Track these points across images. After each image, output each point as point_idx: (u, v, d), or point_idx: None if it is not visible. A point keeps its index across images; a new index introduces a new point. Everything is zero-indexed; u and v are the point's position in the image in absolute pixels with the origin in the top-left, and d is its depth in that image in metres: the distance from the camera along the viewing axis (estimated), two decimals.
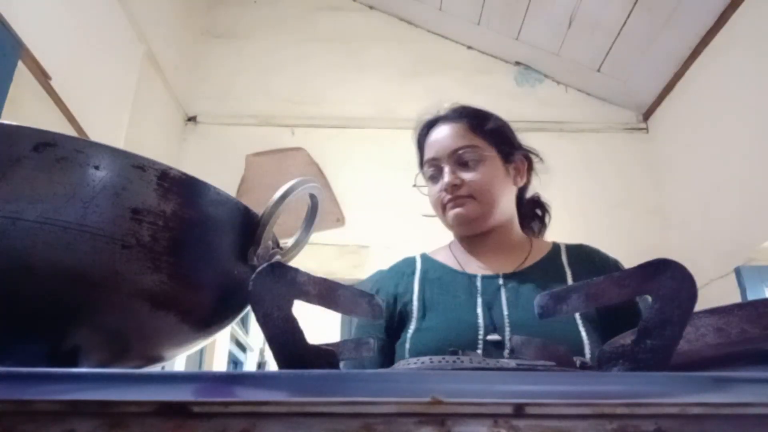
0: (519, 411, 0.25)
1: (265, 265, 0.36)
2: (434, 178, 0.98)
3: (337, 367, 0.36)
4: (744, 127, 2.32)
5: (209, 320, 0.44)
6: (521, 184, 1.03)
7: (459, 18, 3.14)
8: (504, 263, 0.96)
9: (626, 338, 0.35)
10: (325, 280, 0.40)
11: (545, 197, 1.11)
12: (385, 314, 0.93)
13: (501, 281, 0.93)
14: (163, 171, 0.37)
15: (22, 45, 1.80)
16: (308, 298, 0.38)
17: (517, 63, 3.24)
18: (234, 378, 0.28)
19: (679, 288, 0.33)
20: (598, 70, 3.02)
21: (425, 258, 1.02)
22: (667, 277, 0.34)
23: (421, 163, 1.03)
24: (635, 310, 0.91)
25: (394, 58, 3.21)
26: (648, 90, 2.98)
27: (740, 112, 2.35)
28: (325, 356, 0.36)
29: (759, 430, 0.26)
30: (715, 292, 2.31)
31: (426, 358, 0.36)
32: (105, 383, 0.27)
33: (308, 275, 0.38)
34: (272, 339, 0.34)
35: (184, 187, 0.38)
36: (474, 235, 0.98)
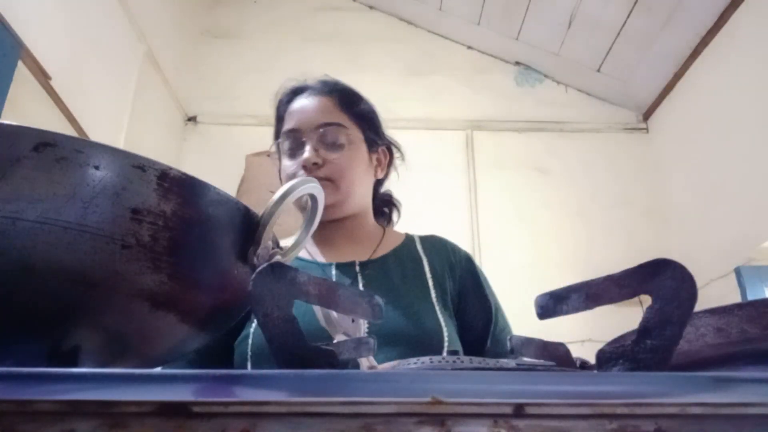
0: (519, 411, 0.25)
1: (265, 265, 0.36)
2: (292, 151, 0.90)
3: (337, 367, 0.36)
4: (744, 127, 2.32)
5: (209, 320, 0.44)
6: (381, 176, 0.99)
7: (459, 18, 3.14)
8: (358, 251, 0.91)
9: (626, 338, 0.35)
10: (325, 280, 0.40)
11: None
12: None
13: (357, 269, 0.88)
14: (163, 171, 0.37)
15: (22, 45, 1.80)
16: (308, 298, 0.38)
17: (517, 63, 3.24)
18: (234, 378, 0.28)
19: (679, 288, 0.33)
20: (598, 70, 3.02)
21: None
22: (667, 277, 0.34)
23: (278, 134, 0.95)
24: (485, 303, 0.92)
25: (394, 58, 3.21)
26: (648, 90, 2.98)
27: (740, 112, 2.35)
28: (325, 356, 0.36)
29: (759, 430, 0.26)
30: (715, 292, 2.31)
31: (426, 358, 0.36)
32: (105, 383, 0.27)
33: (308, 275, 0.38)
34: (272, 339, 0.34)
35: (184, 187, 0.38)
36: (326, 221, 0.90)
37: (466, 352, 0.48)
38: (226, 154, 2.91)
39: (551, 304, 0.39)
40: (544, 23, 2.93)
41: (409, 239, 0.97)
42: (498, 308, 0.94)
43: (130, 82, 2.52)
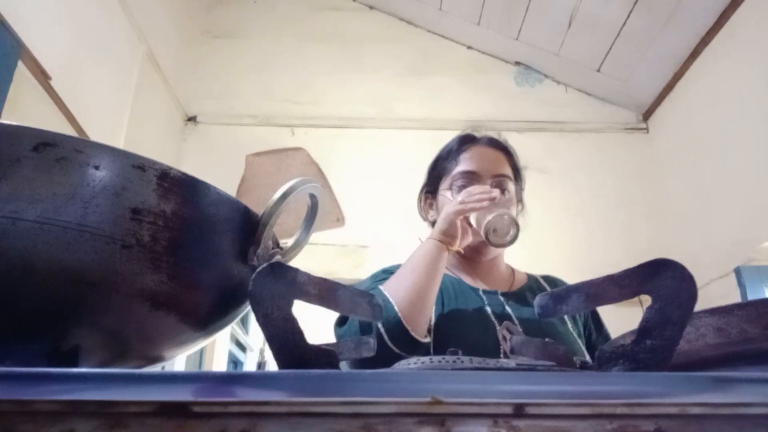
0: (519, 411, 0.25)
1: (265, 265, 0.36)
2: (464, 188, 0.99)
3: (337, 367, 0.36)
4: (744, 126, 2.32)
5: (209, 320, 0.44)
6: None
7: (459, 18, 3.14)
8: (495, 283, 1.02)
9: (626, 338, 0.35)
10: (325, 280, 0.40)
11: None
12: None
13: (501, 298, 0.97)
14: (163, 171, 0.37)
15: (22, 45, 1.80)
16: (308, 298, 0.38)
17: (517, 63, 3.24)
18: (234, 378, 0.28)
19: (679, 288, 0.33)
20: (598, 70, 3.02)
21: None
22: (667, 277, 0.34)
23: (442, 172, 1.05)
24: (606, 336, 1.02)
25: (394, 58, 3.21)
26: (648, 90, 2.98)
27: (740, 112, 2.35)
28: (325, 356, 0.36)
29: (759, 430, 0.26)
30: (715, 292, 2.31)
31: (426, 358, 0.36)
32: (105, 383, 0.27)
33: (308, 275, 0.38)
34: (272, 339, 0.34)
35: (184, 187, 0.38)
36: (474, 259, 1.03)
37: None
38: (226, 154, 2.91)
39: (551, 304, 0.39)
40: (544, 23, 2.92)
41: (532, 277, 1.09)
42: (608, 336, 1.03)
43: (130, 82, 2.52)
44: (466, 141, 1.07)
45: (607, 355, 0.35)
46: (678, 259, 0.34)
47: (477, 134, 1.09)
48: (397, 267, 1.02)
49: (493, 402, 0.25)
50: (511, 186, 1.03)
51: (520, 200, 1.09)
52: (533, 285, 1.06)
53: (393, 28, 3.32)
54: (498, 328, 0.89)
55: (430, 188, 1.09)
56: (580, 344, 0.93)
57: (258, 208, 0.45)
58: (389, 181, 2.73)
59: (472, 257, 1.04)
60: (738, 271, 2.29)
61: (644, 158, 3.00)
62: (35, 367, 0.28)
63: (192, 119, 3.11)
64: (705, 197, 2.56)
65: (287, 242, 0.51)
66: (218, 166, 2.85)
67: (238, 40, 3.30)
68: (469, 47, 3.28)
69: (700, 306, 0.36)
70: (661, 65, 2.81)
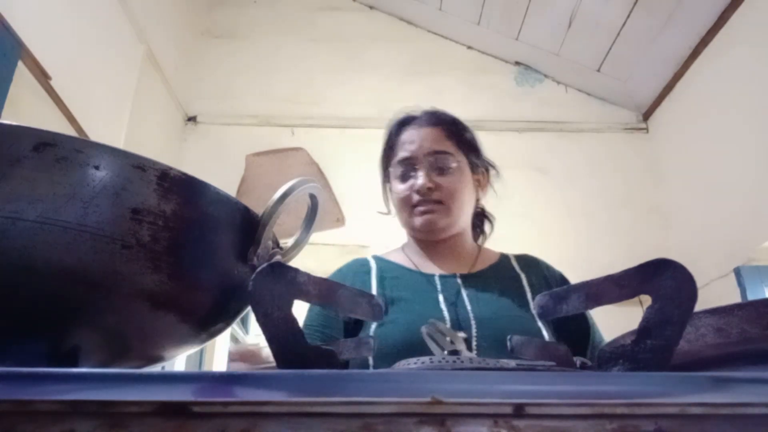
0: (519, 411, 0.25)
1: (265, 265, 0.36)
2: (404, 177, 0.97)
3: (337, 367, 0.36)
4: (744, 126, 2.32)
5: (209, 320, 0.44)
6: (482, 196, 1.07)
7: (459, 18, 3.14)
8: (457, 266, 0.98)
9: (626, 338, 0.35)
10: (325, 280, 0.40)
11: (490, 210, 1.13)
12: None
13: (459, 280, 0.94)
14: (163, 171, 0.37)
15: (22, 45, 1.80)
16: (308, 298, 0.38)
17: (517, 63, 3.24)
18: (234, 378, 0.28)
19: (679, 288, 0.33)
20: (598, 70, 3.02)
21: (378, 259, 1.02)
22: (667, 277, 0.34)
23: (387, 161, 1.02)
24: (583, 319, 0.96)
25: (394, 58, 3.21)
26: (648, 90, 2.98)
27: (740, 112, 2.35)
28: (325, 356, 0.36)
29: (759, 430, 0.26)
30: (715, 292, 2.31)
31: (426, 358, 0.36)
32: (105, 383, 0.27)
33: (308, 275, 0.38)
34: (272, 339, 0.34)
35: (184, 187, 0.38)
36: (433, 243, 0.99)
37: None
38: (226, 154, 2.92)
39: (551, 304, 0.39)
40: (544, 23, 2.92)
41: (504, 257, 1.04)
42: (594, 324, 0.98)
43: (130, 82, 2.52)
44: (402, 124, 1.02)
45: (607, 355, 0.35)
46: (678, 259, 0.34)
47: (413, 113, 1.03)
48: (350, 266, 1.02)
49: (493, 402, 0.25)
50: (452, 161, 0.97)
51: (479, 168, 1.04)
52: (500, 265, 1.01)
53: (393, 28, 3.32)
54: (426, 326, 0.84)
55: (384, 180, 1.06)
56: (540, 326, 0.88)
57: (258, 208, 0.45)
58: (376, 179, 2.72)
59: (426, 239, 1.00)
60: (738, 271, 2.29)
61: (644, 158, 3.01)
62: (35, 367, 0.28)
63: (192, 119, 3.11)
64: (705, 197, 2.56)
65: (287, 242, 0.51)
66: (218, 166, 2.85)
67: (238, 40, 3.30)
68: (469, 47, 3.28)
69: (700, 306, 0.36)
70: (661, 65, 2.81)
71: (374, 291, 0.93)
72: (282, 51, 3.24)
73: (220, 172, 2.72)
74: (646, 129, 3.10)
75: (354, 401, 0.25)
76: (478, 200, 1.07)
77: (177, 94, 2.99)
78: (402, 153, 0.98)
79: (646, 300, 0.33)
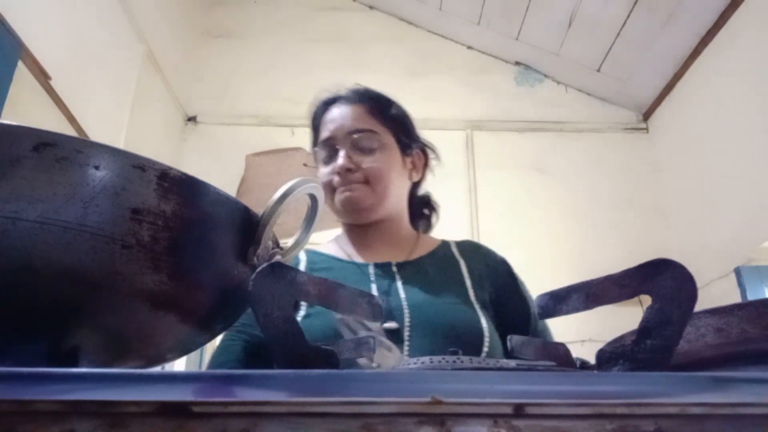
0: (519, 411, 0.25)
1: (265, 265, 0.36)
2: (327, 159, 0.93)
3: (337, 367, 0.36)
4: (744, 126, 2.32)
5: (209, 320, 0.44)
6: (416, 179, 1.00)
7: (459, 18, 3.14)
8: (394, 253, 0.93)
9: (626, 338, 0.35)
10: (325, 280, 0.40)
11: (436, 198, 1.06)
12: None
13: (394, 268, 0.89)
14: (163, 171, 0.37)
15: (22, 45, 1.80)
16: (308, 298, 0.38)
17: (517, 63, 3.24)
18: (234, 378, 0.28)
19: (679, 288, 0.33)
20: (598, 70, 3.02)
21: (310, 252, 0.97)
22: (667, 277, 0.34)
23: (315, 143, 0.98)
24: (525, 303, 0.92)
25: (394, 58, 3.21)
26: (648, 90, 2.98)
27: (740, 112, 2.35)
28: (325, 356, 0.36)
29: (759, 430, 0.26)
30: (715, 292, 2.31)
31: (426, 358, 0.36)
32: (105, 383, 0.27)
33: (308, 275, 0.38)
34: (272, 339, 0.34)
35: (184, 187, 0.38)
36: (363, 224, 0.94)
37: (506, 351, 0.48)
38: (226, 154, 2.92)
39: (551, 304, 0.39)
40: (544, 23, 2.93)
41: (444, 244, 0.99)
42: (534, 308, 0.93)
43: (130, 82, 2.52)
44: (325, 104, 0.98)
45: (607, 355, 0.35)
46: (678, 259, 0.34)
47: (338, 93, 0.98)
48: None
49: (493, 402, 0.25)
50: (375, 140, 0.91)
51: (411, 149, 0.98)
52: (439, 251, 0.95)
53: (393, 28, 3.32)
54: (339, 317, 0.76)
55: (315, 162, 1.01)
56: (479, 314, 0.84)
57: (258, 208, 0.45)
58: None
59: (353, 222, 0.95)
60: (738, 271, 2.29)
61: (644, 158, 3.01)
62: (35, 367, 0.28)
63: (192, 119, 3.11)
64: (705, 197, 2.56)
65: (287, 242, 0.51)
66: (218, 166, 2.85)
67: (238, 40, 3.30)
68: (469, 47, 3.28)
69: (700, 306, 0.36)
70: (661, 65, 2.81)
71: None
72: (282, 51, 3.24)
73: (220, 172, 2.72)
74: (646, 129, 3.10)
75: (354, 401, 0.25)
76: (416, 184, 1.01)
77: (177, 94, 2.98)
78: (324, 134, 0.94)
79: (646, 300, 0.33)
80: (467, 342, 0.80)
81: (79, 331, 0.38)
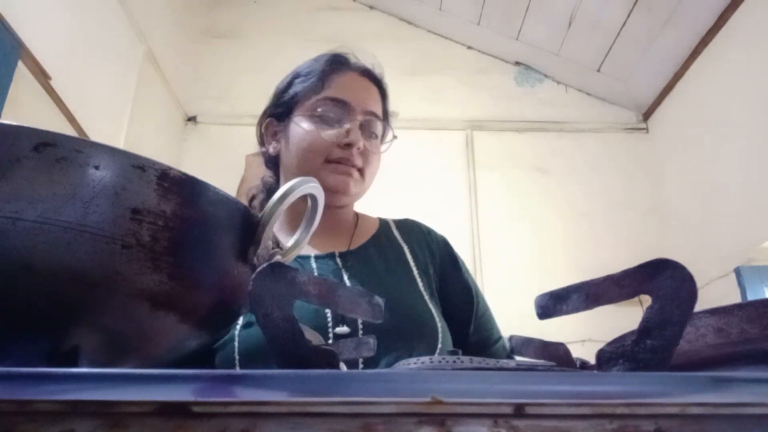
0: (519, 411, 0.25)
1: (265, 265, 0.36)
2: (329, 120, 0.83)
3: (337, 367, 0.36)
4: (744, 127, 2.32)
5: (209, 320, 0.44)
6: None
7: (459, 18, 3.14)
8: (335, 242, 0.86)
9: (626, 338, 0.35)
10: (325, 280, 0.40)
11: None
12: None
13: (339, 260, 0.82)
14: (163, 171, 0.37)
15: (22, 45, 1.80)
16: (308, 298, 0.38)
17: (517, 63, 3.24)
18: (234, 378, 0.28)
19: (679, 288, 0.33)
20: (598, 70, 3.02)
21: None
22: (667, 277, 0.34)
23: (302, 93, 0.86)
24: (466, 287, 0.89)
25: (394, 58, 3.20)
26: (648, 90, 2.98)
27: (740, 112, 2.35)
28: (325, 356, 0.36)
29: (759, 430, 0.26)
30: (715, 292, 2.31)
31: (426, 358, 0.36)
32: (105, 383, 0.27)
33: (308, 275, 0.38)
34: (272, 339, 0.34)
35: (184, 187, 0.38)
36: (330, 207, 0.85)
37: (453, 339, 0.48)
38: (226, 154, 2.91)
39: (551, 304, 0.39)
40: (544, 23, 2.92)
41: (383, 224, 0.93)
42: (477, 291, 0.90)
43: (130, 82, 2.52)
44: (337, 63, 0.89)
45: (607, 355, 0.35)
46: (678, 259, 0.34)
47: (351, 58, 0.91)
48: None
49: (493, 402, 0.25)
50: (379, 128, 0.87)
51: (383, 135, 0.92)
52: (381, 235, 0.89)
53: (393, 28, 3.32)
54: (329, 322, 0.73)
55: (279, 112, 0.89)
56: (430, 306, 0.79)
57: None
58: (388, 181, 2.72)
59: (327, 203, 0.89)
60: (738, 271, 2.29)
61: (644, 158, 3.01)
62: (35, 367, 0.28)
63: (192, 119, 3.11)
64: (705, 197, 2.56)
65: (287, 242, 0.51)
66: (218, 166, 2.85)
67: (238, 40, 3.30)
68: (469, 47, 3.28)
69: (700, 306, 0.36)
70: (661, 65, 2.81)
71: None
72: (282, 51, 3.23)
73: (220, 172, 2.71)
74: (646, 129, 3.10)
75: (354, 401, 0.25)
76: None
77: (177, 94, 2.98)
78: (336, 93, 0.84)
79: (646, 300, 0.33)
80: (423, 340, 0.76)
81: (79, 331, 0.38)
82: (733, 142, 2.37)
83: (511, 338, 0.44)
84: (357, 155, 0.82)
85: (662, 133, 2.98)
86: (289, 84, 0.90)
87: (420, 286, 0.83)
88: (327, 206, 0.85)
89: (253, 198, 0.96)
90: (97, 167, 0.35)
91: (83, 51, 2.18)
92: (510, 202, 2.88)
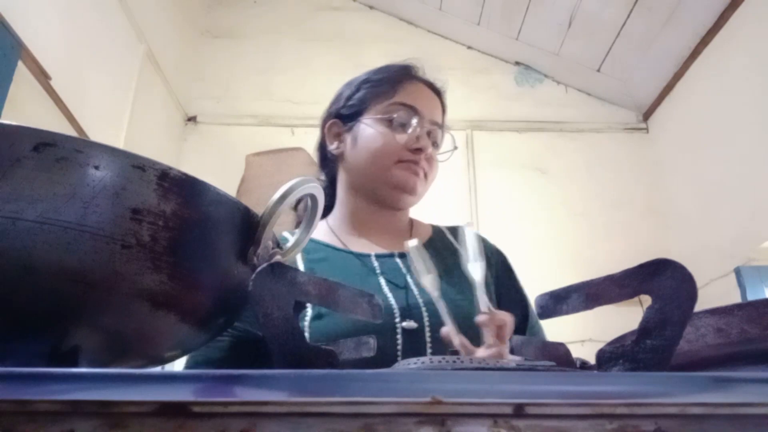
0: (519, 411, 0.25)
1: (265, 265, 0.36)
2: (400, 124, 0.87)
3: (337, 367, 0.36)
4: (744, 126, 2.32)
5: (209, 320, 0.44)
6: None
7: (459, 18, 3.14)
8: (392, 243, 0.88)
9: (626, 338, 0.35)
10: (325, 280, 0.40)
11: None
12: None
13: (398, 260, 0.85)
14: (163, 171, 0.37)
15: (22, 45, 1.80)
16: (308, 298, 0.38)
17: (517, 63, 3.24)
18: (234, 378, 0.28)
19: (679, 288, 0.33)
20: (598, 70, 3.02)
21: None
22: (667, 277, 0.34)
23: (367, 100, 0.91)
24: (522, 297, 0.91)
25: (394, 58, 3.20)
26: (648, 90, 2.98)
27: (740, 112, 2.35)
28: (325, 356, 0.36)
29: (759, 430, 0.26)
30: (715, 292, 2.31)
31: (426, 358, 0.36)
32: (105, 383, 0.27)
33: (308, 275, 0.38)
34: (272, 339, 0.34)
35: (184, 187, 0.38)
36: (389, 209, 0.90)
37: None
38: (226, 154, 2.91)
39: (551, 304, 0.39)
40: (544, 23, 2.92)
41: (437, 230, 0.96)
42: (529, 303, 0.92)
43: (130, 82, 2.52)
44: (408, 72, 0.96)
45: (607, 355, 0.35)
46: (678, 259, 0.34)
47: (420, 70, 0.97)
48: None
49: (493, 402, 0.25)
50: (440, 138, 0.92)
51: (447, 151, 0.97)
52: (437, 238, 0.92)
53: (393, 28, 3.32)
54: (397, 317, 0.74)
55: (345, 114, 0.93)
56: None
57: (258, 208, 0.45)
58: None
59: (390, 203, 0.89)
60: (738, 271, 2.29)
61: (644, 158, 3.01)
62: (35, 367, 0.28)
63: (192, 119, 3.11)
64: (705, 197, 2.56)
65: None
66: (218, 166, 2.85)
67: (238, 40, 3.30)
68: (469, 47, 3.28)
69: (700, 306, 0.36)
70: (661, 65, 2.81)
71: None
72: (282, 51, 3.24)
73: (220, 172, 2.71)
74: (646, 129, 3.10)
75: (354, 401, 0.25)
76: None
77: (177, 94, 2.98)
78: (408, 100, 0.89)
79: (646, 300, 0.33)
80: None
81: (79, 331, 0.38)
82: (734, 142, 2.38)
83: (511, 338, 0.44)
84: (424, 160, 0.87)
85: (662, 133, 2.98)
86: (358, 89, 0.94)
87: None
88: (388, 208, 0.90)
89: (299, 202, 0.98)
90: (97, 167, 0.35)
91: (83, 51, 2.18)
92: (510, 202, 2.88)
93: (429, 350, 0.74)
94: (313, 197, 0.50)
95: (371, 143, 0.87)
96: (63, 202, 0.34)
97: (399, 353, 0.74)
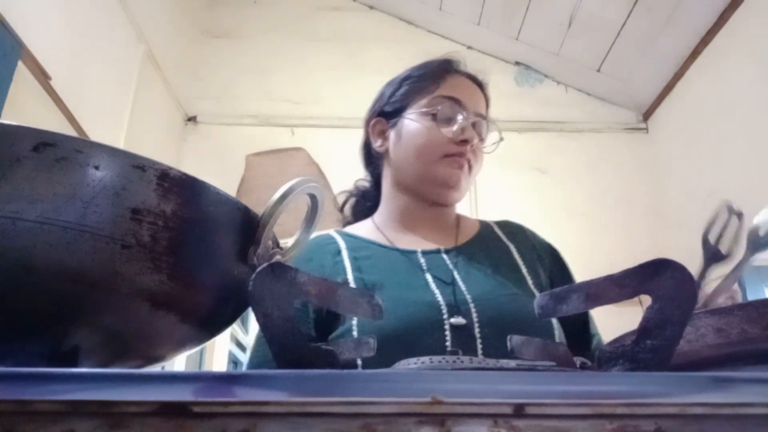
0: (519, 411, 0.25)
1: (265, 265, 0.36)
2: (445, 118, 0.86)
3: (337, 367, 0.36)
4: (744, 127, 2.32)
5: (209, 320, 0.44)
6: None
7: (459, 18, 3.14)
8: (439, 239, 0.87)
9: (626, 338, 0.35)
10: (325, 280, 0.40)
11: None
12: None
13: (445, 256, 0.83)
14: (163, 171, 0.37)
15: (22, 45, 1.79)
16: (308, 298, 0.38)
17: (517, 63, 3.23)
18: (234, 378, 0.28)
19: (679, 288, 0.33)
20: (598, 70, 3.02)
21: (345, 235, 0.88)
22: (667, 277, 0.34)
23: (411, 95, 0.91)
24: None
25: (394, 58, 3.20)
26: (648, 90, 2.98)
27: (740, 112, 2.35)
28: (325, 356, 0.36)
29: (759, 430, 0.26)
30: None
31: (426, 358, 0.36)
32: (105, 383, 0.27)
33: (308, 275, 0.38)
34: (272, 339, 0.34)
35: (184, 187, 0.38)
36: (435, 205, 0.89)
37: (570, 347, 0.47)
38: (226, 154, 2.91)
39: (551, 304, 0.39)
40: (544, 23, 2.92)
41: (485, 225, 0.94)
42: (591, 314, 0.90)
43: (130, 82, 2.52)
44: (450, 65, 0.95)
45: (607, 355, 0.35)
46: (678, 259, 0.34)
47: (461, 63, 0.97)
48: (313, 248, 0.85)
49: (493, 402, 0.25)
50: (484, 130, 0.91)
51: (492, 143, 0.97)
52: (485, 233, 0.90)
53: (393, 28, 3.32)
54: (444, 313, 0.73)
55: (388, 111, 0.92)
56: (554, 319, 0.78)
57: (258, 208, 0.45)
58: None
59: (435, 198, 0.88)
60: None
61: (644, 158, 3.01)
62: (35, 367, 0.28)
63: (192, 119, 3.11)
64: (705, 197, 2.56)
65: (287, 242, 0.51)
66: (218, 166, 2.85)
67: (238, 40, 3.30)
68: (469, 47, 3.28)
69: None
70: (661, 65, 2.81)
71: (349, 276, 0.79)
72: (282, 51, 3.24)
73: (220, 172, 2.72)
74: (646, 129, 3.10)
75: (354, 401, 0.25)
76: None
77: (177, 94, 2.98)
78: (450, 92, 0.88)
79: (646, 300, 0.33)
80: (539, 336, 0.75)
81: (79, 331, 0.38)
82: (734, 142, 2.37)
83: (510, 338, 0.44)
84: (470, 152, 0.86)
85: (662, 133, 2.98)
86: (399, 86, 0.95)
87: (530, 283, 0.83)
88: (434, 204, 0.89)
89: (345, 203, 0.99)
90: (97, 167, 0.35)
91: (83, 51, 2.18)
92: (510, 201, 2.88)
93: (480, 346, 0.72)
94: (313, 197, 0.50)
95: (416, 138, 0.87)
96: (63, 202, 0.34)
97: (448, 350, 0.73)
